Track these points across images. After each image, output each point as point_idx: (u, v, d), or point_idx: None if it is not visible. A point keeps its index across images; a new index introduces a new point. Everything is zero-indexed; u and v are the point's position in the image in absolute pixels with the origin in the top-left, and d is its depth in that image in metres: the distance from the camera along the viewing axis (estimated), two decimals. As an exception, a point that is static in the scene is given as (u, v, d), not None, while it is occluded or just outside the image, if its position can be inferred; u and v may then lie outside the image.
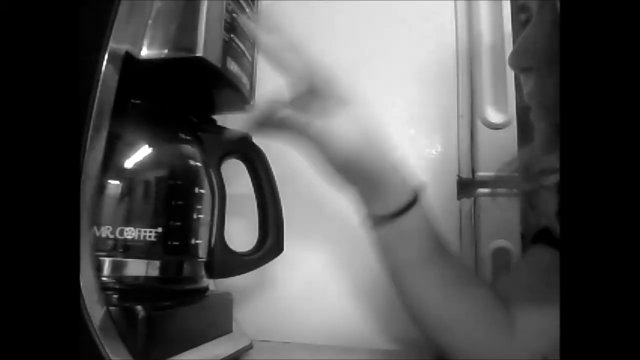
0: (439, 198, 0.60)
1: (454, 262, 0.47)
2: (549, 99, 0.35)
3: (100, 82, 0.32)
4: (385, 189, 0.45)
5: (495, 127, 0.60)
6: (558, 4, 0.29)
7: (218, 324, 0.47)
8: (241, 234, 0.51)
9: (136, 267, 0.39)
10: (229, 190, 0.48)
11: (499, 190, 0.59)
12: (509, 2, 0.62)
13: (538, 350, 0.42)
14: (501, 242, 0.58)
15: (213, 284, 0.53)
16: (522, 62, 0.39)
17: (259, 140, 0.50)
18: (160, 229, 0.40)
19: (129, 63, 0.34)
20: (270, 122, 0.44)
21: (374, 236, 0.47)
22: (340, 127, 0.43)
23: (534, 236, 0.50)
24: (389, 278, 0.48)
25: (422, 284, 0.46)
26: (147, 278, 0.40)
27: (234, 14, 0.42)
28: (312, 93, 0.44)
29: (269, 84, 0.53)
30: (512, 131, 0.60)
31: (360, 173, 0.44)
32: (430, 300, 0.45)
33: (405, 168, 0.46)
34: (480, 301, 0.45)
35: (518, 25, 0.42)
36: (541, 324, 0.42)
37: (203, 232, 0.44)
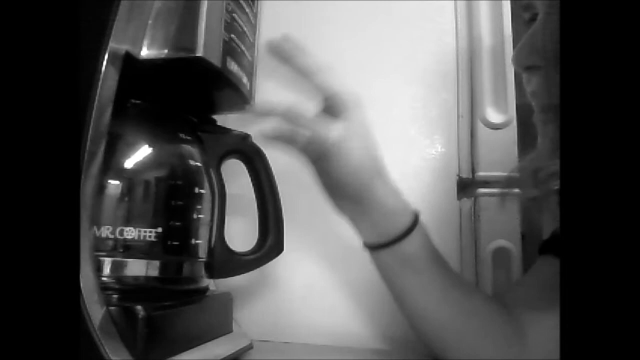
0: (439, 198, 0.60)
1: (457, 280, 0.47)
2: (557, 98, 0.35)
3: (100, 82, 0.32)
4: (385, 214, 0.44)
5: (495, 127, 0.60)
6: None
7: (218, 324, 0.47)
8: (241, 234, 0.51)
9: (136, 267, 0.39)
10: (229, 190, 0.48)
11: (500, 190, 0.58)
12: (509, 2, 0.62)
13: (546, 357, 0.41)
14: (501, 242, 0.58)
15: (213, 284, 0.53)
16: (527, 60, 0.38)
17: (259, 141, 0.50)
18: (160, 229, 0.40)
19: (129, 63, 0.34)
20: (277, 133, 0.44)
21: (374, 261, 0.47)
22: (345, 149, 0.43)
23: (541, 246, 0.50)
24: (393, 300, 0.47)
25: (427, 305, 0.45)
26: (147, 278, 0.40)
27: (234, 14, 0.42)
28: (328, 114, 0.45)
29: (269, 84, 0.54)
30: (512, 131, 0.60)
31: (361, 199, 0.44)
32: (436, 320, 0.45)
33: (401, 192, 0.46)
34: (486, 316, 0.45)
35: (521, 24, 0.42)
36: (551, 334, 0.41)
37: (203, 232, 0.44)
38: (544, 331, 0.42)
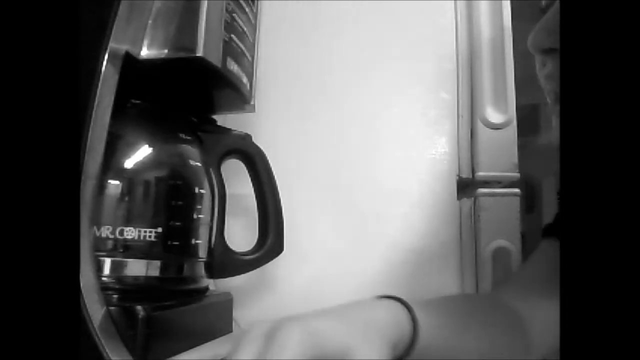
0: (439, 198, 0.60)
1: (473, 314, 0.44)
2: None
3: (100, 82, 0.32)
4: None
5: (495, 127, 0.60)
6: None
7: (218, 324, 0.47)
8: (241, 234, 0.51)
9: (136, 267, 0.39)
10: (229, 190, 0.48)
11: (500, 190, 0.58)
12: (509, 2, 0.62)
13: (549, 344, 0.41)
14: (501, 242, 0.58)
15: (213, 284, 0.53)
16: (544, 43, 0.37)
17: (258, 140, 0.50)
18: (160, 229, 0.40)
19: (129, 63, 0.34)
20: None
21: None
22: None
23: (544, 230, 0.50)
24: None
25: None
26: (147, 278, 0.40)
27: (234, 14, 0.42)
28: None
29: (269, 84, 0.54)
30: (512, 131, 0.60)
31: None
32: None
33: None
34: (503, 330, 0.44)
35: (537, 11, 0.41)
36: (552, 318, 0.42)
37: (203, 232, 0.44)
38: (545, 313, 0.42)
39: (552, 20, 0.37)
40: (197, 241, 0.43)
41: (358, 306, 0.37)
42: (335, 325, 0.32)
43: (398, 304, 0.38)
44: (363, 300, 0.38)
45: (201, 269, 0.45)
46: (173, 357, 0.38)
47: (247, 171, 0.50)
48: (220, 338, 0.47)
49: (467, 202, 0.60)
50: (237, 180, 0.50)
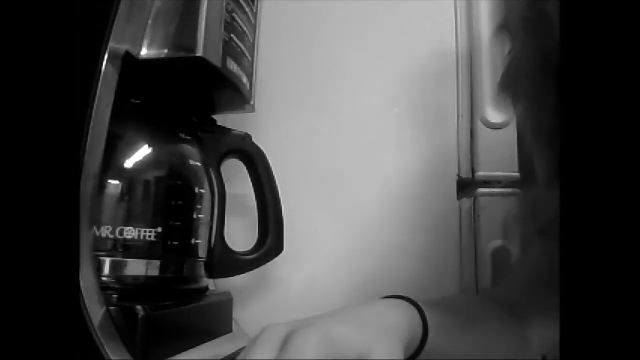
0: (439, 198, 0.60)
1: (476, 319, 0.44)
2: (546, 125, 0.34)
3: (100, 82, 0.32)
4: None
5: (495, 127, 0.60)
6: (538, 26, 0.29)
7: (218, 324, 0.47)
8: (241, 234, 0.51)
9: (136, 267, 0.39)
10: (229, 190, 0.48)
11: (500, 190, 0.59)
12: (509, 2, 0.62)
13: (547, 342, 0.41)
14: (501, 242, 0.58)
15: (213, 284, 0.53)
16: (509, 88, 0.38)
17: (258, 140, 0.50)
18: (160, 229, 0.40)
19: (129, 63, 0.34)
20: None
21: None
22: None
23: (540, 231, 0.50)
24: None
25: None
26: (147, 278, 0.40)
27: (234, 14, 0.42)
28: None
29: (269, 84, 0.54)
30: (512, 131, 0.60)
31: None
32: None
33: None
34: (504, 336, 0.44)
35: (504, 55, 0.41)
36: (550, 317, 0.42)
37: (203, 232, 0.44)
38: (540, 314, 0.43)
39: (512, 65, 0.37)
40: (197, 241, 0.43)
41: (371, 308, 0.37)
42: (352, 328, 0.32)
43: (409, 305, 0.38)
44: (375, 302, 0.38)
45: (201, 269, 0.45)
46: (173, 357, 0.38)
47: (247, 171, 0.50)
48: (220, 338, 0.47)
49: (467, 202, 0.60)
50: (237, 180, 0.50)
